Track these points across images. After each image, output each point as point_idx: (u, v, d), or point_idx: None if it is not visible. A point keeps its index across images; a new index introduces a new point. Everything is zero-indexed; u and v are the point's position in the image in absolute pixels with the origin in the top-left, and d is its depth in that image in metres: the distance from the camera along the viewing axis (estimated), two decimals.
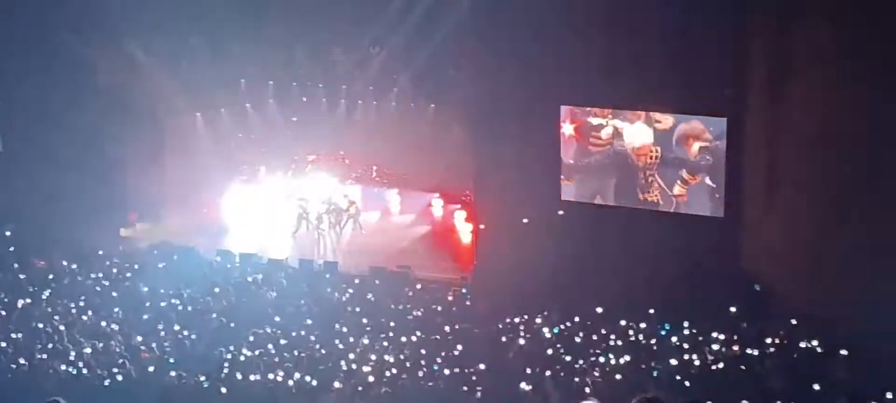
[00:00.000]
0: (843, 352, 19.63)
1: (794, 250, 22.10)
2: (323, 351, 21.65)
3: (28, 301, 24.74)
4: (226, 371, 20.87)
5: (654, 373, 19.76)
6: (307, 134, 32.99)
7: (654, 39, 22.17)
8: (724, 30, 21.88)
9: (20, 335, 22.68)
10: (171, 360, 21.43)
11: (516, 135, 24.53)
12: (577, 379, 19.76)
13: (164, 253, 28.49)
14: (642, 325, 21.86)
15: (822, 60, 20.99)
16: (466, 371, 20.38)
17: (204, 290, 25.35)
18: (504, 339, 22.16)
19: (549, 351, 21.27)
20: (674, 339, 21.25)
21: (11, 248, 28.54)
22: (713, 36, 21.79)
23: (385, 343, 22.03)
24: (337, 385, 20.21)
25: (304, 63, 30.74)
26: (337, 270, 27.39)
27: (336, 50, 29.58)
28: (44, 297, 24.94)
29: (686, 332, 21.46)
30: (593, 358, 20.66)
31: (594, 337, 21.68)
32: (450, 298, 24.97)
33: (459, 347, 21.69)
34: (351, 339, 22.30)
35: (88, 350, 21.86)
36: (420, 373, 20.58)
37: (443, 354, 21.33)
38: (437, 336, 22.37)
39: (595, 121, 24.50)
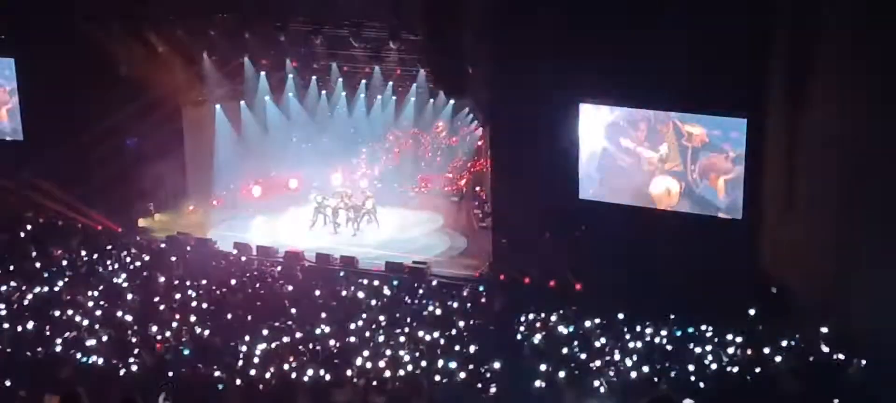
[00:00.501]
0: (861, 356, 19.50)
1: (813, 253, 21.96)
2: (338, 346, 21.64)
3: (45, 289, 24.83)
4: (240, 363, 20.88)
5: (672, 374, 19.66)
6: (325, 127, 33.01)
7: (674, 38, 22.04)
8: (745, 30, 21.75)
9: (36, 323, 22.74)
10: (186, 352, 21.45)
11: (534, 132, 24.46)
12: (592, 379, 19.69)
13: (181, 244, 28.56)
14: (659, 326, 21.77)
15: (842, 61, 20.86)
16: (481, 368, 20.34)
17: (220, 282, 25.40)
18: (519, 337, 22.10)
19: (565, 350, 21.20)
20: (690, 340, 21.15)
21: (29, 236, 28.68)
22: (734, 35, 21.66)
23: (400, 339, 22.00)
24: (351, 380, 20.20)
25: (323, 56, 30.72)
26: (353, 265, 27.39)
27: (356, 44, 29.52)
28: (60, 286, 25.02)
29: (703, 334, 21.37)
30: (609, 358, 20.57)
31: (610, 337, 21.60)
32: (465, 295, 24.93)
33: (474, 344, 21.65)
34: (366, 334, 22.29)
35: (104, 339, 21.92)
36: (435, 370, 20.54)
37: (458, 351, 21.28)
38: (453, 333, 22.33)
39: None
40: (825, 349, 20.15)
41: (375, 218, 31.18)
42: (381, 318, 23.21)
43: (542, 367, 20.08)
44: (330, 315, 23.39)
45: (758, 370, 19.74)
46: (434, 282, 25.93)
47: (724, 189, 23.37)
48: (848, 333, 20.20)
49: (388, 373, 20.31)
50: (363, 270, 27.06)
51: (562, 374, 19.79)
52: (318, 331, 22.52)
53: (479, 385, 19.79)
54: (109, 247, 27.85)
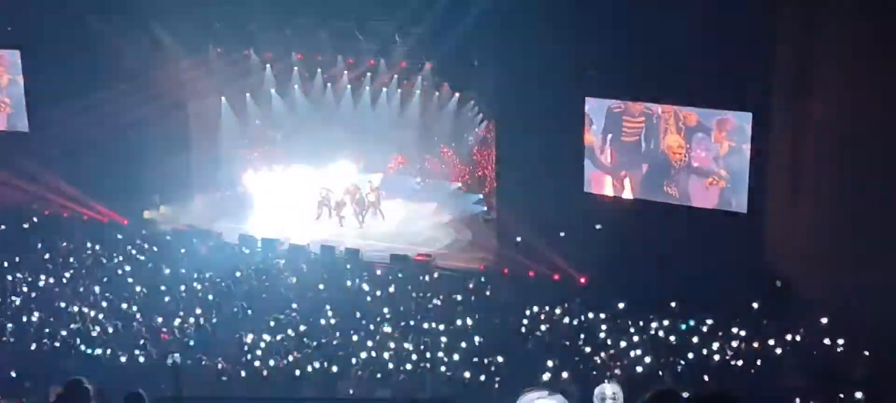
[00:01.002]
0: (864, 349, 19.52)
1: (817, 246, 21.96)
2: (342, 338, 21.69)
3: (51, 280, 24.90)
4: (246, 355, 20.94)
5: (676, 367, 19.69)
6: (330, 120, 32.99)
7: (680, 33, 22.03)
8: (750, 25, 21.73)
9: (43, 314, 22.83)
10: (191, 343, 21.52)
11: (540, 126, 24.45)
12: (595, 372, 19.72)
13: (186, 236, 28.62)
14: (663, 319, 21.79)
15: (847, 57, 20.84)
16: (485, 360, 20.38)
17: (225, 275, 25.46)
18: (523, 330, 22.14)
19: (569, 343, 21.25)
20: (694, 333, 21.18)
21: (36, 228, 28.75)
22: (739, 31, 21.65)
23: (405, 332, 22.05)
24: (356, 372, 20.26)
25: (329, 49, 30.74)
26: (358, 257, 27.43)
27: (361, 37, 29.54)
28: (66, 278, 25.10)
29: (707, 327, 21.39)
30: (613, 351, 20.61)
31: (614, 330, 21.63)
32: (470, 287, 24.96)
33: (478, 337, 21.69)
34: (370, 327, 22.34)
35: (110, 331, 22.00)
36: (439, 363, 20.58)
37: (462, 344, 21.32)
38: (457, 326, 22.36)
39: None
40: (828, 342, 20.17)
41: (379, 209, 31.18)
42: (386, 310, 23.25)
43: (547, 360, 20.13)
44: (334, 307, 23.44)
45: (761, 362, 19.77)
46: (438, 275, 25.94)
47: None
48: (851, 326, 20.21)
49: (391, 366, 20.36)
50: (368, 262, 27.10)
51: (566, 367, 19.84)
52: (322, 323, 22.59)
53: (484, 378, 19.83)
54: (115, 240, 27.93)
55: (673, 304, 22.21)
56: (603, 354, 20.52)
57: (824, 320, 20.82)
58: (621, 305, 22.53)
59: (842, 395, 17.95)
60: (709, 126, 23.47)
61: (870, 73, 20.40)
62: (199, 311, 23.10)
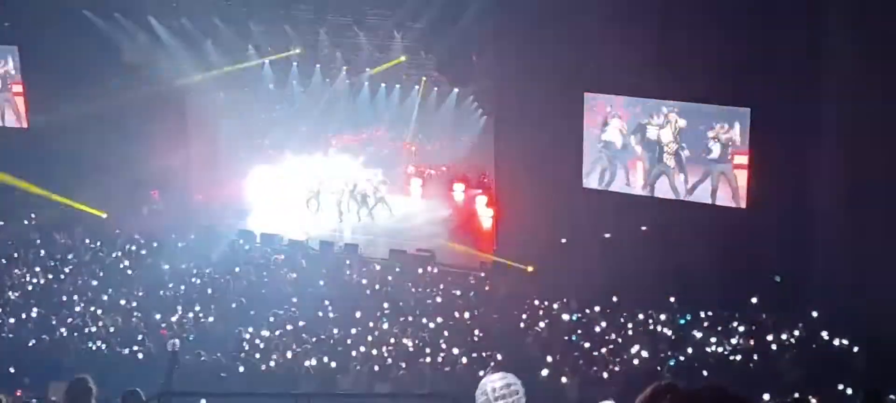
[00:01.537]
0: (863, 345, 19.54)
1: (816, 242, 21.98)
2: (341, 333, 21.70)
3: (49, 276, 24.90)
4: (244, 350, 20.94)
5: (672, 363, 19.71)
6: (330, 115, 32.96)
7: (679, 28, 22.03)
8: (749, 19, 21.72)
9: (41, 310, 22.83)
10: (191, 338, 21.52)
11: (539, 122, 24.44)
12: (595, 368, 19.74)
13: (185, 231, 28.60)
14: (662, 315, 21.80)
15: (847, 52, 20.84)
16: (484, 356, 20.38)
17: (224, 270, 25.46)
18: (522, 325, 22.15)
19: (567, 338, 21.26)
20: (693, 329, 21.19)
21: (34, 224, 28.74)
22: (738, 25, 21.65)
23: (404, 327, 22.05)
24: (355, 367, 20.27)
25: (328, 44, 30.72)
26: (357, 253, 27.43)
27: (360, 32, 29.53)
28: (65, 273, 25.09)
29: (706, 322, 21.40)
30: (612, 346, 20.62)
31: (613, 326, 21.64)
32: (470, 283, 24.96)
33: (478, 332, 21.69)
34: (370, 322, 22.34)
35: (108, 327, 21.99)
36: (438, 358, 20.59)
37: (461, 339, 21.33)
38: (456, 322, 22.37)
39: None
40: (827, 337, 20.18)
41: (387, 204, 31.10)
42: (385, 306, 23.26)
43: (546, 356, 20.14)
44: (334, 302, 23.45)
45: (760, 357, 19.79)
46: (437, 270, 25.93)
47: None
48: (850, 322, 20.23)
49: (390, 362, 20.36)
50: (367, 258, 27.09)
51: (565, 363, 19.86)
52: (321, 318, 22.59)
53: (483, 373, 19.81)
54: (113, 235, 27.92)
55: (672, 299, 22.21)
56: (602, 349, 20.54)
57: (823, 315, 20.83)
58: (620, 300, 22.52)
59: (840, 390, 17.96)
60: (708, 121, 23.48)
61: (870, 69, 20.40)
62: (197, 307, 23.10)
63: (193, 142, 31.91)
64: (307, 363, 20.42)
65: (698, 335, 20.90)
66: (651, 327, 21.55)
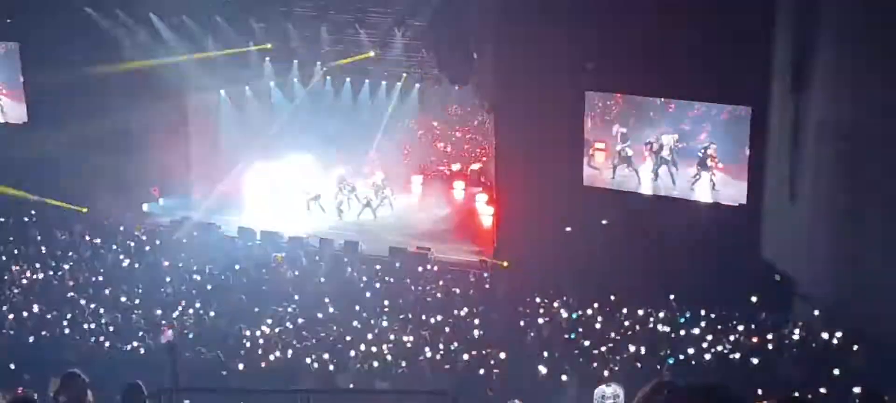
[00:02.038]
0: (862, 344, 19.55)
1: (815, 241, 22.00)
2: (341, 331, 21.71)
3: (50, 273, 24.92)
4: (245, 347, 20.96)
5: (671, 361, 19.72)
6: (331, 112, 32.97)
7: (679, 26, 22.04)
8: (750, 18, 21.74)
9: (42, 306, 22.84)
10: (191, 335, 21.54)
11: (539, 120, 24.46)
12: (595, 365, 19.75)
13: (185, 229, 28.64)
14: (661, 313, 21.82)
15: (847, 52, 20.85)
16: (484, 353, 20.40)
17: (224, 267, 25.48)
18: (522, 323, 22.16)
19: (567, 336, 21.27)
20: (693, 328, 21.21)
21: (34, 220, 28.76)
22: (739, 24, 21.66)
23: (403, 325, 22.07)
24: (354, 365, 20.28)
25: (329, 42, 30.70)
26: (357, 250, 27.45)
27: (360, 29, 29.52)
28: (65, 270, 25.11)
29: (705, 321, 21.42)
30: (612, 345, 20.64)
31: (613, 324, 21.66)
32: (469, 281, 24.98)
33: (477, 330, 21.71)
34: (370, 319, 22.36)
35: (107, 323, 22.00)
36: (438, 355, 20.61)
37: (461, 337, 21.35)
38: (456, 319, 22.39)
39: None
40: (826, 336, 20.20)
41: (391, 202, 31.10)
42: (385, 303, 23.28)
43: (545, 354, 20.16)
44: (334, 300, 23.47)
45: (759, 356, 19.80)
46: (437, 268, 25.95)
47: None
48: (849, 320, 20.24)
49: (390, 359, 20.38)
50: (367, 255, 27.11)
51: (564, 360, 19.87)
52: (321, 315, 22.60)
53: (483, 371, 19.85)
54: (114, 232, 27.94)
55: (671, 298, 22.23)
56: (602, 347, 20.55)
57: (822, 314, 20.85)
58: (620, 298, 22.54)
59: (839, 389, 17.97)
60: (708, 120, 23.52)
61: (869, 67, 20.41)
62: (198, 304, 23.13)
63: (194, 138, 31.96)
64: (307, 360, 20.43)
65: (698, 333, 20.91)
66: (651, 325, 21.57)
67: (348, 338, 21.33)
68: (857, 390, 17.75)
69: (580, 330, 21.51)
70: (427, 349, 20.77)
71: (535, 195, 24.93)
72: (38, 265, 25.30)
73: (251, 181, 32.46)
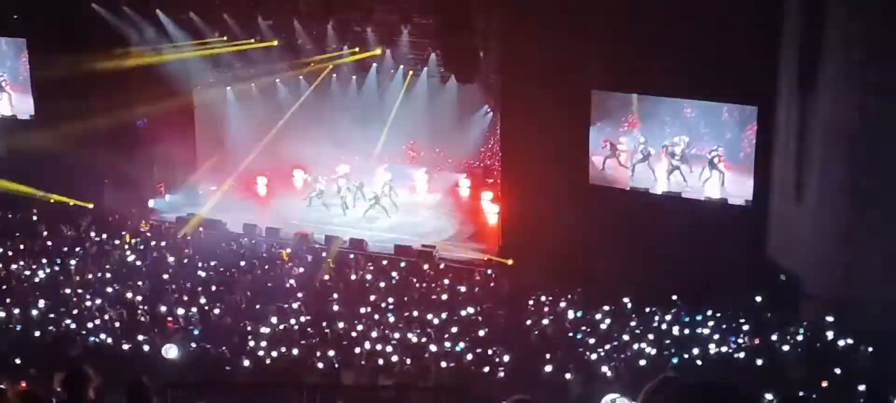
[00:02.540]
0: (867, 343, 19.53)
1: (821, 240, 21.97)
2: (346, 328, 21.71)
3: (55, 268, 24.93)
4: (250, 344, 20.96)
5: (676, 360, 19.71)
6: (337, 109, 32.96)
7: (686, 26, 22.02)
8: (756, 18, 21.72)
9: (48, 302, 22.84)
10: (196, 332, 21.54)
11: (545, 119, 24.43)
12: (599, 365, 19.74)
13: (191, 225, 28.64)
14: (667, 311, 21.81)
15: (853, 51, 20.82)
16: (489, 351, 20.40)
17: (230, 263, 25.49)
18: (527, 322, 22.15)
19: (572, 335, 21.26)
20: (698, 327, 21.19)
21: (40, 216, 28.77)
22: (745, 23, 21.64)
23: (408, 322, 22.06)
24: (360, 361, 20.27)
25: (335, 39, 30.69)
26: (362, 248, 27.45)
27: (367, 28, 29.53)
28: (71, 266, 25.13)
29: (710, 320, 21.40)
30: (616, 343, 20.62)
31: (618, 323, 21.64)
32: (475, 279, 24.96)
33: (482, 328, 21.70)
34: (375, 317, 22.36)
35: (112, 318, 22.00)
36: (443, 353, 20.59)
37: (466, 335, 21.34)
38: (461, 317, 22.38)
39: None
40: (831, 336, 20.17)
41: (394, 202, 31.08)
42: (390, 301, 23.28)
43: (550, 352, 20.14)
44: (339, 297, 23.47)
45: (764, 356, 19.78)
46: (442, 266, 25.95)
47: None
48: (854, 320, 20.22)
49: (395, 357, 20.37)
50: (372, 253, 27.11)
51: (569, 359, 19.85)
52: (326, 312, 22.60)
53: (487, 369, 19.84)
54: (120, 228, 27.96)
55: (676, 297, 22.21)
56: (606, 346, 20.54)
57: (828, 314, 20.83)
58: (625, 297, 22.53)
59: (844, 389, 17.97)
60: (715, 119, 23.52)
61: (876, 67, 20.39)
62: (203, 300, 23.13)
63: (200, 134, 31.98)
64: (312, 357, 20.43)
65: (703, 333, 20.89)
66: (656, 324, 21.55)
67: (353, 335, 21.33)
68: (861, 388, 17.84)
69: (585, 328, 21.49)
70: (432, 347, 20.77)
71: (541, 193, 24.92)
72: (44, 260, 25.31)
73: (257, 178, 32.48)
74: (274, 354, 20.57)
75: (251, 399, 18.58)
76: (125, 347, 20.80)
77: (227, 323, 22.14)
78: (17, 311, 22.27)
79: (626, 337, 20.88)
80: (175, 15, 29.55)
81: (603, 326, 21.59)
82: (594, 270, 24.03)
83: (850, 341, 19.87)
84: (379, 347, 20.74)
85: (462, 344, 20.73)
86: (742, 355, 19.97)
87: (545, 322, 21.99)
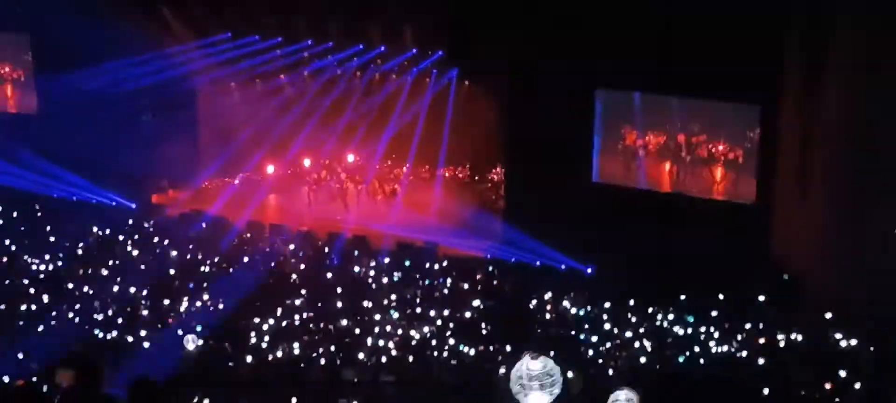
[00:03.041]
0: (872, 345, 19.52)
1: (825, 240, 21.97)
2: (349, 325, 21.71)
3: (58, 264, 24.95)
4: (252, 340, 20.98)
5: (680, 359, 19.71)
6: (340, 106, 32.97)
7: (689, 25, 22.02)
8: (761, 17, 21.70)
9: (51, 297, 22.87)
10: (199, 328, 21.55)
11: (549, 116, 24.45)
12: (601, 363, 19.74)
13: (194, 220, 28.67)
14: (669, 310, 21.80)
15: (857, 50, 20.82)
16: (491, 348, 20.39)
17: (233, 259, 25.50)
18: (529, 318, 22.15)
19: (574, 332, 21.26)
20: (701, 326, 21.18)
21: (44, 211, 28.81)
22: (750, 23, 21.63)
23: (411, 319, 22.06)
24: (361, 358, 20.27)
25: (338, 36, 30.70)
26: (365, 243, 27.44)
27: (371, 24, 29.53)
28: (74, 261, 25.15)
29: (713, 319, 21.39)
30: (619, 341, 20.62)
31: (621, 321, 21.64)
32: (477, 276, 24.96)
33: (485, 326, 21.70)
34: (377, 314, 22.36)
35: (117, 315, 22.03)
36: (445, 350, 20.60)
37: (469, 332, 21.33)
38: (463, 313, 22.38)
39: None
40: (835, 336, 20.16)
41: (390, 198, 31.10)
42: (393, 297, 23.28)
43: (552, 350, 20.12)
44: (341, 293, 23.47)
45: (767, 355, 19.77)
46: (445, 262, 25.94)
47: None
48: (858, 320, 20.22)
49: (397, 353, 20.37)
50: (375, 248, 27.11)
51: (571, 357, 19.83)
52: (328, 309, 22.61)
53: (489, 366, 19.84)
54: (123, 223, 27.99)
55: (679, 296, 22.20)
56: (608, 344, 20.54)
57: (831, 314, 20.82)
58: (627, 295, 22.53)
59: (848, 390, 17.95)
60: (718, 119, 23.52)
61: (880, 66, 20.39)
62: (206, 297, 23.14)
63: (203, 130, 31.99)
64: (314, 353, 20.43)
65: (705, 332, 20.88)
66: (658, 323, 21.55)
67: (356, 331, 21.33)
68: (859, 386, 17.84)
69: (587, 327, 21.49)
70: (434, 343, 20.77)
71: (545, 191, 24.93)
72: (47, 256, 25.33)
73: (260, 174, 32.51)
74: (278, 351, 20.59)
75: (252, 396, 18.59)
76: (128, 341, 20.84)
77: (229, 318, 22.16)
78: (21, 307, 22.33)
79: (628, 335, 20.87)
80: (178, 11, 29.54)
81: (605, 324, 21.58)
82: (596, 267, 24.06)
83: (854, 342, 19.85)
84: (381, 343, 20.74)
85: (465, 342, 20.72)
86: (745, 354, 19.95)
87: (547, 319, 21.98)
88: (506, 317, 22.35)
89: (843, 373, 18.49)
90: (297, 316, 22.17)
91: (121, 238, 26.94)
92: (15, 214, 28.71)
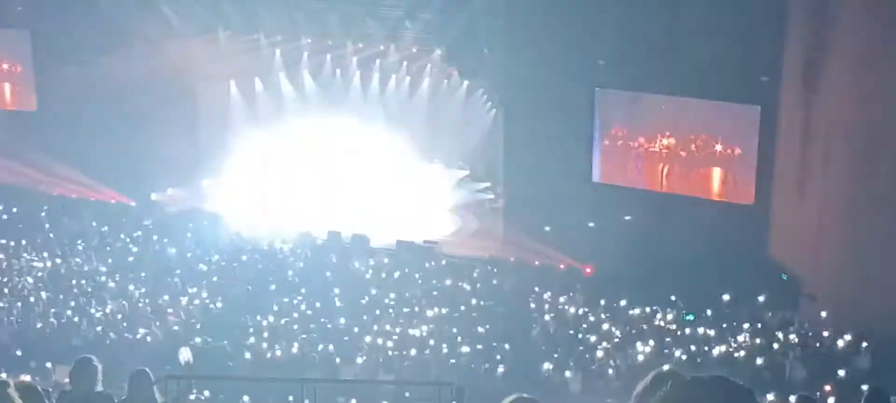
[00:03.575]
0: (869, 344, 19.53)
1: (823, 240, 21.97)
2: (348, 323, 21.73)
3: (58, 261, 24.96)
4: (251, 338, 20.99)
5: (680, 358, 19.71)
6: (339, 105, 32.95)
7: (689, 25, 22.02)
8: (761, 18, 21.71)
9: (50, 294, 22.89)
10: (198, 325, 21.57)
11: (549, 116, 24.43)
12: (599, 362, 19.75)
13: (194, 218, 28.66)
14: (668, 310, 21.81)
15: (856, 51, 20.82)
16: (490, 347, 20.41)
17: (232, 257, 25.49)
18: (528, 319, 22.16)
19: (573, 332, 21.27)
20: (699, 326, 21.19)
21: (43, 208, 28.81)
22: (750, 24, 21.64)
23: (410, 317, 22.07)
24: (360, 357, 20.29)
25: (339, 34, 30.68)
26: (364, 243, 27.42)
27: (371, 22, 29.50)
28: (73, 258, 25.15)
29: (712, 318, 21.40)
30: (617, 341, 20.63)
31: (618, 321, 21.65)
32: (476, 275, 24.96)
33: (483, 325, 21.70)
34: (376, 312, 22.37)
35: (116, 311, 22.04)
36: (443, 349, 20.61)
37: (467, 331, 21.35)
38: (462, 313, 22.39)
39: None
40: (833, 335, 20.17)
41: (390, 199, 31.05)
42: (392, 296, 23.29)
43: (551, 349, 20.15)
44: (340, 292, 23.49)
45: (765, 354, 19.78)
46: (444, 262, 25.94)
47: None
48: (855, 319, 20.22)
49: (396, 352, 20.38)
50: (374, 248, 27.10)
51: (570, 356, 19.86)
52: (327, 307, 22.63)
53: (488, 365, 19.86)
54: (122, 221, 27.99)
55: (677, 296, 22.21)
56: (606, 344, 20.55)
57: (829, 314, 20.83)
58: (626, 295, 22.53)
59: (845, 389, 17.96)
60: (718, 119, 23.51)
61: (879, 67, 20.38)
62: (205, 294, 23.16)
63: (202, 128, 31.96)
64: (313, 351, 20.45)
65: (703, 332, 20.89)
66: (656, 323, 21.56)
67: (355, 330, 21.35)
68: (864, 388, 17.81)
69: (585, 326, 21.50)
70: (432, 342, 20.78)
71: (543, 190, 24.91)
72: (46, 253, 25.35)
73: (259, 172, 32.46)
74: (277, 348, 20.61)
75: (251, 393, 18.59)
76: (127, 338, 20.86)
77: (227, 316, 22.18)
78: (19, 304, 22.34)
79: (626, 335, 20.88)
80: (179, 8, 29.52)
81: (603, 323, 21.59)
82: (595, 267, 24.06)
83: (851, 341, 19.86)
84: (380, 342, 20.76)
85: (463, 340, 20.74)
86: (742, 353, 19.96)
87: (546, 318, 21.99)
88: (504, 316, 22.39)
89: (840, 372, 18.53)
90: (296, 314, 22.18)
91: (120, 236, 26.91)
92: (15, 210, 28.72)
